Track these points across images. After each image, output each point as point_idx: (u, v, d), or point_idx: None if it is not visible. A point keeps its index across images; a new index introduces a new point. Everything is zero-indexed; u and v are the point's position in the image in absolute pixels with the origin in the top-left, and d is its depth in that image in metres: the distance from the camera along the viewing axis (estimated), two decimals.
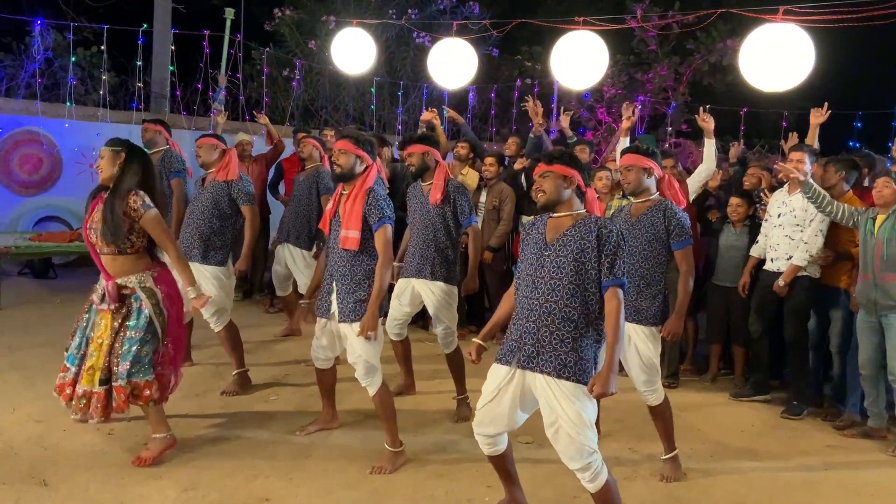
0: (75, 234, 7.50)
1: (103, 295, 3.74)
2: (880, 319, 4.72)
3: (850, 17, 4.96)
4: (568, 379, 3.04)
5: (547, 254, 3.16)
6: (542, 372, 3.09)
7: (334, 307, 4.03)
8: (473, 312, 7.04)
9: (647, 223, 4.03)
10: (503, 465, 3.44)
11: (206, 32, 9.29)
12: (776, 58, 4.79)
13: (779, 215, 5.33)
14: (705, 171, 5.81)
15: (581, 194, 3.26)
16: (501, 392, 3.22)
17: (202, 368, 5.54)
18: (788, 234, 5.25)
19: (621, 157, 4.23)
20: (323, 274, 4.19)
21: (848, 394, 5.19)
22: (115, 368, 3.69)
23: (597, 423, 4.47)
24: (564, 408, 3.04)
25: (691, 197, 5.82)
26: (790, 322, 5.26)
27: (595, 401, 3.11)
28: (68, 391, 3.76)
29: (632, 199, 4.18)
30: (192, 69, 9.69)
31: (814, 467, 4.43)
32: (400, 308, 4.84)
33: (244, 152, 7.81)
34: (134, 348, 3.69)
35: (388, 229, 3.94)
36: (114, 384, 3.70)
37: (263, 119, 7.83)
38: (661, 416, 4.14)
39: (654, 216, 4.02)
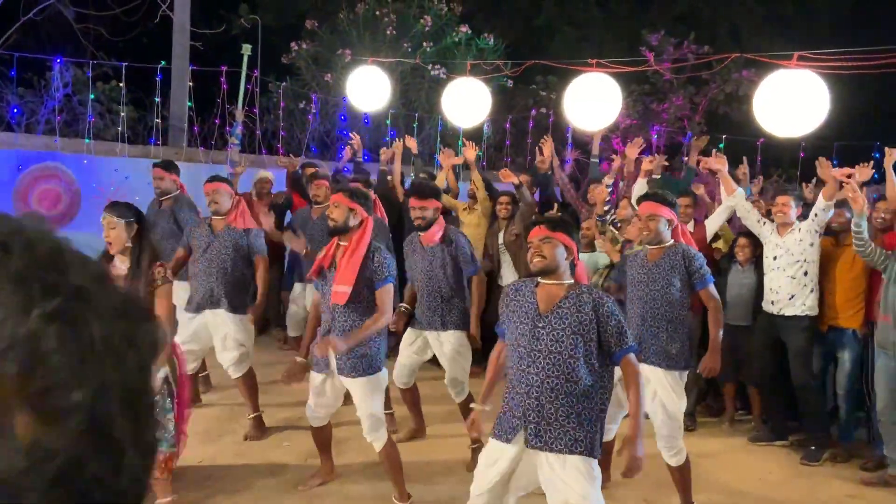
0: None
1: None
2: None
3: (863, 65, 4.94)
4: (580, 454, 3.00)
5: (541, 325, 3.09)
6: (551, 450, 3.02)
7: (333, 363, 3.99)
8: (486, 352, 6.99)
9: (667, 266, 4.04)
10: None
11: (224, 69, 9.40)
12: (791, 104, 4.77)
13: (775, 258, 5.32)
14: (724, 212, 5.77)
15: (573, 265, 3.22)
16: (497, 466, 3.13)
17: (218, 410, 5.55)
18: (790, 274, 5.23)
19: (640, 202, 4.23)
20: (317, 328, 4.15)
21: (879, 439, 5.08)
22: None
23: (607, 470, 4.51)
24: (572, 485, 2.98)
25: (709, 236, 5.79)
26: (795, 365, 5.24)
27: (598, 479, 3.07)
28: None
29: (647, 246, 4.17)
30: (210, 104, 9.79)
31: None
32: (409, 356, 4.85)
33: (263, 190, 7.88)
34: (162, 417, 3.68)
35: (392, 287, 3.97)
36: None
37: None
38: (681, 472, 4.11)
39: (672, 259, 4.05)
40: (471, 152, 6.82)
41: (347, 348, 3.83)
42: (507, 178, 6.31)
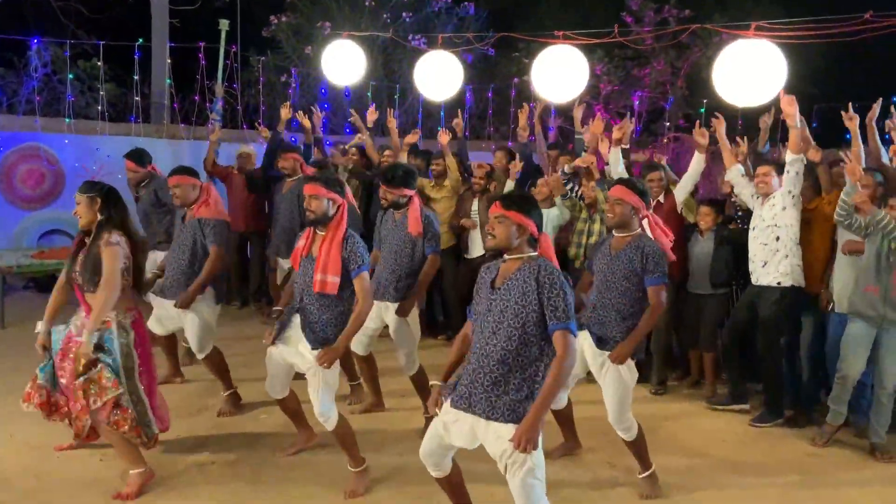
0: None
1: (80, 326, 3.89)
2: (882, 333, 4.76)
3: (819, 34, 4.97)
4: (497, 420, 3.11)
5: (493, 298, 3.20)
6: (473, 413, 3.16)
7: (292, 336, 4.14)
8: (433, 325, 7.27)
9: (626, 259, 4.11)
10: (448, 486, 3.50)
11: (202, 45, 9.40)
12: (749, 74, 4.81)
13: (754, 228, 5.36)
14: (690, 183, 5.83)
15: (534, 241, 3.26)
16: (444, 424, 3.28)
17: (196, 385, 5.69)
18: (762, 241, 5.25)
19: (612, 187, 4.29)
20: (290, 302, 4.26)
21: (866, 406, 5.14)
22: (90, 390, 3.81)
23: (572, 438, 4.63)
24: (495, 450, 3.13)
25: (679, 205, 5.86)
26: (763, 334, 5.30)
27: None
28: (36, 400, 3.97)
29: (614, 232, 4.24)
30: (190, 80, 9.81)
31: (791, 480, 4.50)
32: (366, 323, 4.96)
33: (245, 164, 7.94)
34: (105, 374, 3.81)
35: (367, 276, 4.08)
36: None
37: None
38: (634, 445, 4.24)
39: (632, 253, 4.10)
40: (444, 137, 6.92)
41: (337, 354, 3.98)
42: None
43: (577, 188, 6.24)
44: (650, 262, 4.06)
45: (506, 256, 3.26)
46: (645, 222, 4.23)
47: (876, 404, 4.85)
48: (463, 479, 3.53)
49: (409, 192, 4.90)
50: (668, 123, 11.04)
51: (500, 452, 3.10)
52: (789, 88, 4.92)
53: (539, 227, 3.27)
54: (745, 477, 4.52)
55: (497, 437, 3.11)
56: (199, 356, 5.15)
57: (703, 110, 9.63)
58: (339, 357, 4.03)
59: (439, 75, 6.73)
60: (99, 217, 3.93)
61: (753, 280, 5.34)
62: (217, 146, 7.89)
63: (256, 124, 8.56)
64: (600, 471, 4.51)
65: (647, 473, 4.24)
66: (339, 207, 4.09)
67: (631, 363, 4.10)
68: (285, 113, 7.49)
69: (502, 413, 3.10)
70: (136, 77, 9.36)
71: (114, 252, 3.85)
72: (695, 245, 5.88)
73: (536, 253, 3.26)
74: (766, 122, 6.45)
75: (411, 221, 4.83)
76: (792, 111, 4.98)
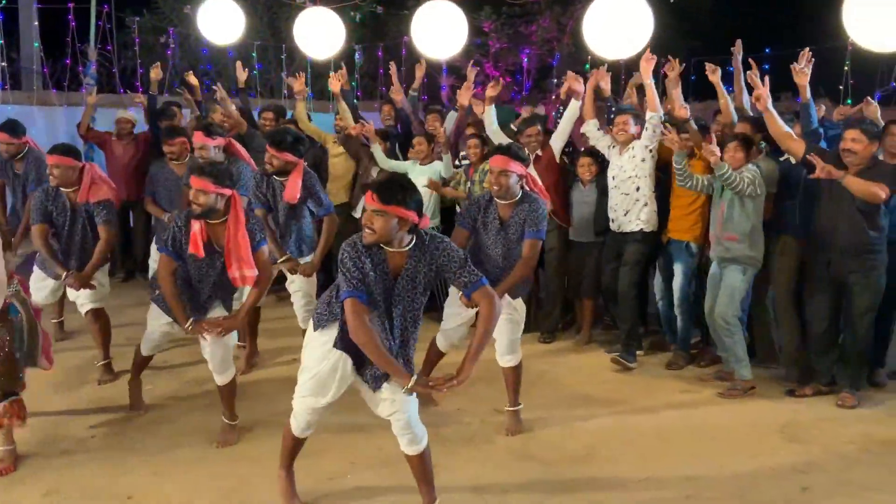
0: None
1: None
2: (721, 270, 5.10)
3: None
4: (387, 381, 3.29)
5: (396, 291, 3.22)
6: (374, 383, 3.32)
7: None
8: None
9: (517, 225, 4.24)
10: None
11: (71, 5, 8.91)
12: (616, 27, 4.95)
13: (613, 177, 5.57)
14: (566, 129, 5.94)
15: (415, 228, 3.19)
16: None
17: (78, 360, 5.51)
18: (624, 191, 5.47)
19: (493, 156, 4.31)
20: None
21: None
22: None
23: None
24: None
25: (556, 154, 5.99)
26: (622, 274, 5.56)
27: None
28: None
29: (498, 200, 4.28)
30: (61, 44, 9.30)
31: (665, 413, 4.76)
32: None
33: (124, 130, 7.64)
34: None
35: (266, 249, 4.21)
36: None
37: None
38: (514, 371, 4.42)
39: (521, 214, 4.23)
40: (335, 83, 6.73)
41: (237, 323, 4.24)
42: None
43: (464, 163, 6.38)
44: (533, 217, 4.21)
45: (388, 249, 3.17)
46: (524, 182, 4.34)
47: (718, 335, 5.18)
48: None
49: (294, 160, 4.89)
50: (555, 80, 11.22)
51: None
52: (672, 42, 5.12)
53: (420, 212, 3.15)
54: (623, 411, 4.76)
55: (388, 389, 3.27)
56: (85, 309, 5.06)
57: (587, 66, 9.83)
58: (238, 327, 4.29)
59: (321, 33, 6.61)
60: None
61: (615, 228, 5.59)
62: (93, 111, 7.55)
63: (135, 86, 8.21)
64: (488, 417, 4.64)
65: (516, 408, 4.46)
66: (229, 199, 4.06)
67: (520, 301, 4.33)
68: (155, 74, 7.22)
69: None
70: (1, 41, 8.80)
71: None
72: (576, 194, 6.04)
73: (413, 239, 3.20)
74: (636, 80, 6.56)
75: (288, 188, 4.88)
76: (648, 69, 5.21)
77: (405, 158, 6.71)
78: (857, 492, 3.77)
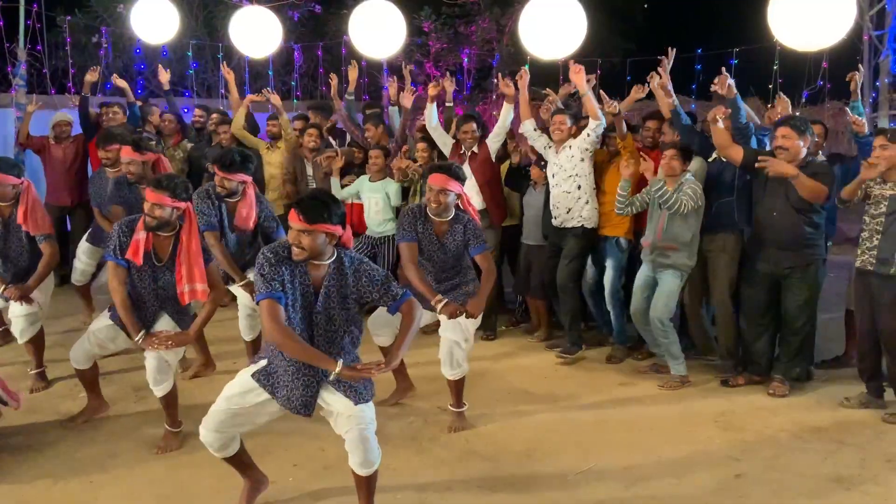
0: None
1: None
2: (656, 275, 5.21)
3: None
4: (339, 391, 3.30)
5: (317, 307, 3.23)
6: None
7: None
8: None
9: (454, 242, 4.37)
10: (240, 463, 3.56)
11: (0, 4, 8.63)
12: (550, 27, 5.02)
13: (553, 175, 5.66)
14: (501, 131, 6.00)
15: (337, 241, 3.25)
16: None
17: (11, 369, 5.34)
18: (565, 189, 5.57)
19: (432, 173, 4.32)
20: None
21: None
22: None
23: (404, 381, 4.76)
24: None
25: (493, 154, 6.04)
26: (560, 267, 5.65)
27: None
28: None
29: (434, 217, 4.36)
30: None
31: (605, 406, 4.85)
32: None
33: (63, 133, 7.41)
34: None
35: (215, 266, 4.24)
36: None
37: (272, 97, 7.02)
38: (457, 384, 4.48)
39: (456, 232, 4.36)
40: (276, 98, 6.78)
41: (187, 340, 4.17)
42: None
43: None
44: (471, 236, 4.35)
45: (313, 261, 3.21)
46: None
47: (650, 334, 5.30)
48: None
49: (246, 178, 4.79)
50: (495, 80, 11.28)
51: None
52: (607, 43, 5.21)
53: (344, 224, 3.22)
54: (564, 406, 4.84)
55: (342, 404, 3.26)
56: (22, 340, 4.93)
57: (527, 66, 9.92)
58: (191, 342, 4.30)
59: (256, 31, 6.55)
60: None
61: (557, 224, 5.67)
62: (30, 117, 7.34)
63: (67, 87, 7.97)
64: (431, 415, 4.66)
65: (461, 409, 4.50)
66: (184, 211, 4.00)
67: (470, 321, 4.38)
68: (91, 76, 7.05)
69: (343, 388, 3.25)
70: None
71: None
72: (528, 197, 6.11)
73: (335, 252, 3.26)
74: (566, 90, 6.64)
75: (241, 215, 4.78)
76: (580, 80, 5.32)
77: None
78: (788, 477, 3.90)
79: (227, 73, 6.76)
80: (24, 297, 4.75)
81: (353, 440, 3.23)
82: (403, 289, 3.36)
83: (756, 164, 4.77)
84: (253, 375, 3.31)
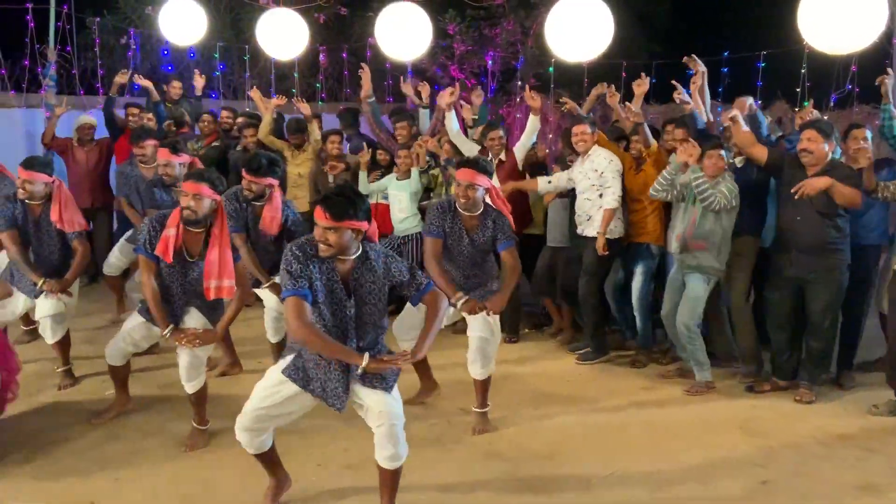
0: None
1: None
2: (684, 277, 5.15)
3: None
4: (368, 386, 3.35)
5: (349, 303, 3.26)
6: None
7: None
8: None
9: (483, 238, 4.36)
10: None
11: (30, 5, 8.76)
12: (579, 30, 5.00)
13: (578, 182, 5.59)
14: (528, 141, 5.98)
15: (364, 236, 3.27)
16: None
17: (36, 366, 5.41)
18: (587, 196, 5.52)
19: (460, 169, 4.32)
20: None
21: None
22: None
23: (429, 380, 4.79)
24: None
25: (520, 163, 6.04)
26: (581, 279, 5.61)
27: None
28: None
29: (463, 211, 4.34)
30: (19, 45, 9.13)
31: (628, 411, 4.82)
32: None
33: (86, 136, 7.51)
34: None
35: (241, 266, 4.28)
36: None
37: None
38: (483, 384, 4.48)
39: (485, 228, 4.35)
40: (305, 107, 6.87)
41: (216, 337, 4.23)
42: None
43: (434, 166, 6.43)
44: (499, 230, 4.34)
45: (339, 257, 3.23)
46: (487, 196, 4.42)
47: (678, 339, 5.23)
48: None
49: (273, 182, 4.81)
50: (519, 83, 11.28)
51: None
52: (633, 46, 5.20)
53: (369, 219, 3.24)
54: (585, 409, 4.82)
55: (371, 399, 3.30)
56: (51, 341, 4.97)
57: (551, 69, 9.90)
58: (218, 340, 4.31)
59: (283, 34, 6.60)
60: None
61: (579, 232, 5.62)
62: (57, 119, 7.45)
63: (96, 88, 8.07)
64: (454, 416, 4.66)
65: (484, 410, 4.50)
66: (216, 205, 4.04)
67: (495, 318, 4.38)
68: (121, 79, 7.14)
69: (370, 380, 3.30)
70: None
71: None
72: (551, 203, 6.08)
73: (361, 247, 3.28)
74: (597, 90, 6.61)
75: (267, 219, 4.80)
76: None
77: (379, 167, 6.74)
78: (815, 484, 3.86)
79: (254, 93, 6.84)
80: (64, 290, 4.81)
81: (383, 435, 3.29)
82: (428, 279, 3.42)
83: (794, 197, 4.69)
84: (283, 371, 3.34)
